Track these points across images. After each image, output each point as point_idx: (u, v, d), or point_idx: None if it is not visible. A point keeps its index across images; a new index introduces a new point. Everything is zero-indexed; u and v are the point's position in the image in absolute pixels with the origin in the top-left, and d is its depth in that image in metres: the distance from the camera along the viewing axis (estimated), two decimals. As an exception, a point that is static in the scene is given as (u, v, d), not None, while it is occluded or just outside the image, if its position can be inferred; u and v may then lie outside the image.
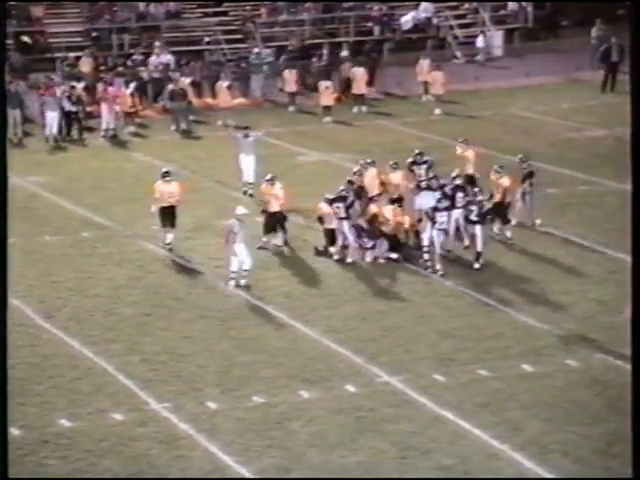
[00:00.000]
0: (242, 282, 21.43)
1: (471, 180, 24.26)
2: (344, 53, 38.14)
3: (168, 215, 23.11)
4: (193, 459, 15.70)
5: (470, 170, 24.85)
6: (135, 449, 15.97)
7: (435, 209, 22.09)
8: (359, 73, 36.03)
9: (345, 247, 22.68)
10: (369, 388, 17.63)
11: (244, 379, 17.99)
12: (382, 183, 24.21)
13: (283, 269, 22.67)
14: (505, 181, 23.35)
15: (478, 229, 22.14)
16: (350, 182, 23.41)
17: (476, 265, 22.07)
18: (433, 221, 21.90)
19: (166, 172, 23.56)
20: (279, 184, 23.45)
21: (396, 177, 24.31)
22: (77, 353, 19.06)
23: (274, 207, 23.17)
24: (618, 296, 20.29)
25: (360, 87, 35.87)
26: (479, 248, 22.14)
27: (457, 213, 22.60)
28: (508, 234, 23.52)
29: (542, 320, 19.89)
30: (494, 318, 20.13)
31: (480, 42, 41.50)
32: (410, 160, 25.10)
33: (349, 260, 22.54)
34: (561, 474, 15.00)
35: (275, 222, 23.27)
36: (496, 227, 23.54)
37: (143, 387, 17.75)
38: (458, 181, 23.20)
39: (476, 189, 22.85)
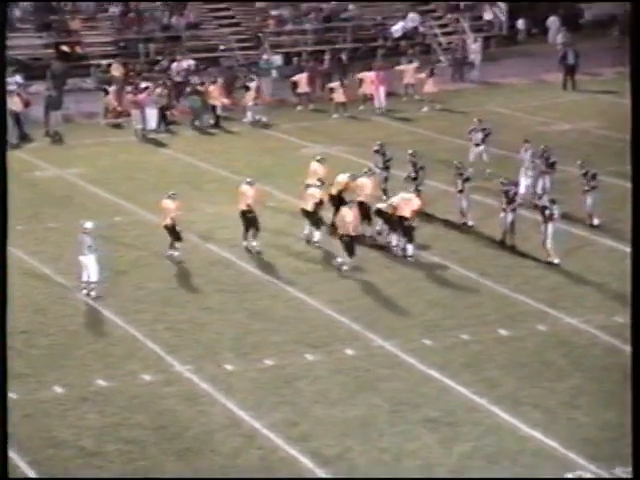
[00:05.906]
0: (92, 294, 19.71)
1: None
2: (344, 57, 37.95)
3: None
4: (213, 414, 15.74)
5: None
6: (162, 405, 16.02)
7: None
8: (368, 76, 35.14)
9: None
10: (365, 351, 17.63)
11: (256, 344, 18.00)
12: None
13: (290, 250, 22.64)
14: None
15: None
16: None
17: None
18: None
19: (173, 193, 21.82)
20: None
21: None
22: (111, 322, 19.09)
23: (242, 206, 21.94)
24: (583, 270, 20.22)
25: (370, 88, 34.90)
26: None
27: None
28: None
29: (516, 290, 19.87)
30: (474, 289, 20.11)
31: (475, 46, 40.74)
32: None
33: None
34: (531, 424, 15.01)
35: (247, 221, 22.03)
36: None
37: (168, 352, 17.78)
38: None
39: None
